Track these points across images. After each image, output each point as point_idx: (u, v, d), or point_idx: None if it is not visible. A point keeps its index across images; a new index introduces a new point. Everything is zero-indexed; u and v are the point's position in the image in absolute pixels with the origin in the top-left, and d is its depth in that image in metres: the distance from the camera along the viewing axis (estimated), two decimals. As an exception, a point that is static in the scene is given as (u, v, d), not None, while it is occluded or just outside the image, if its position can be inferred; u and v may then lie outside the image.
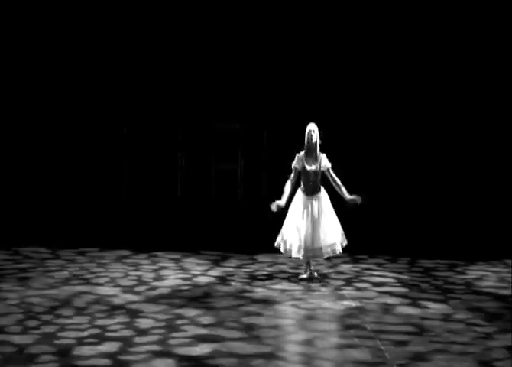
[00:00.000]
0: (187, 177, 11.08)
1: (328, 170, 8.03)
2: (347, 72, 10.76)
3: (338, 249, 8.05)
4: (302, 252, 7.92)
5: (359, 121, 10.77)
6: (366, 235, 10.18)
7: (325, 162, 8.02)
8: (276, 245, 8.06)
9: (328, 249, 8.01)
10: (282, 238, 8.01)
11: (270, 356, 5.54)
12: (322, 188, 8.10)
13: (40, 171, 10.88)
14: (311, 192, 8.01)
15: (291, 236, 7.96)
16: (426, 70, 10.71)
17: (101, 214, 10.76)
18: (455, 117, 10.72)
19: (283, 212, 8.04)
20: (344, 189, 8.00)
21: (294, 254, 7.96)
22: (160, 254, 9.42)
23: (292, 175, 8.01)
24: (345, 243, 8.09)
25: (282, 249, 8.03)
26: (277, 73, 10.81)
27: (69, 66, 10.87)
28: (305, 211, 7.97)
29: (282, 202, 7.87)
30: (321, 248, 7.96)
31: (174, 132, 11.03)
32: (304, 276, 8.13)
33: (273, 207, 7.83)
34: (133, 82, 10.94)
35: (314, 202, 7.99)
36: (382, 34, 10.68)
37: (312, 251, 7.96)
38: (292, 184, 7.99)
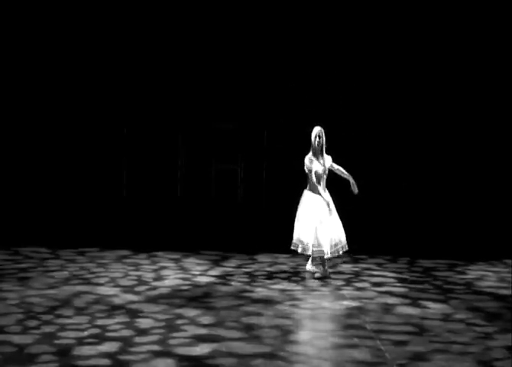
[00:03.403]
0: (187, 177, 11.09)
1: (331, 165, 8.21)
2: (347, 71, 10.77)
3: (342, 249, 8.17)
4: (313, 249, 8.02)
5: (359, 122, 10.78)
6: (366, 235, 10.19)
7: (328, 160, 8.20)
8: (292, 247, 8.16)
9: (334, 249, 8.11)
10: (298, 239, 8.11)
11: (270, 356, 5.53)
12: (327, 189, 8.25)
13: (40, 171, 10.89)
14: (319, 192, 8.09)
15: (305, 235, 8.04)
16: (427, 69, 10.72)
17: (101, 214, 10.76)
18: (456, 118, 10.73)
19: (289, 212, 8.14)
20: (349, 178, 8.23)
21: (311, 252, 8.05)
22: (160, 254, 9.42)
23: (313, 177, 8.06)
24: (345, 247, 8.20)
25: (300, 250, 8.11)
26: (277, 73, 10.82)
27: (69, 66, 10.88)
28: (314, 210, 8.05)
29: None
30: (329, 247, 8.07)
31: (174, 132, 11.04)
32: (318, 274, 8.20)
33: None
34: (133, 83, 10.95)
35: (323, 201, 8.07)
36: (382, 34, 10.68)
37: (320, 248, 8.04)
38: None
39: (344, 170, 8.23)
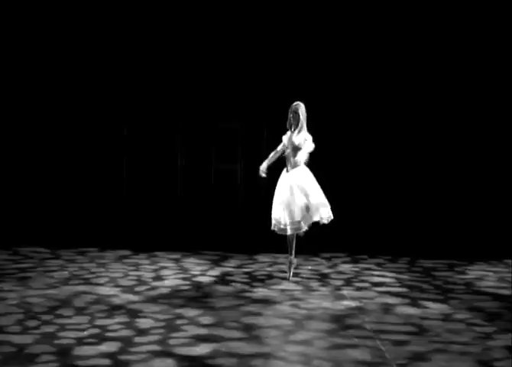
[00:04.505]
0: (187, 176, 11.09)
1: (300, 149, 7.90)
2: (347, 71, 10.77)
3: (326, 217, 7.90)
4: (289, 226, 7.82)
5: (358, 119, 10.77)
6: (366, 235, 10.19)
7: (302, 139, 7.90)
8: (272, 227, 7.95)
9: (309, 221, 7.86)
10: (274, 219, 7.89)
11: (269, 356, 5.54)
12: (304, 166, 7.98)
13: (40, 171, 10.89)
14: (291, 167, 7.95)
15: (278, 213, 7.86)
16: (426, 70, 10.71)
17: (101, 214, 10.76)
18: (455, 117, 10.72)
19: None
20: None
21: (288, 231, 7.83)
22: (160, 254, 9.42)
23: (279, 146, 8.04)
24: (329, 216, 7.90)
25: (276, 228, 7.89)
26: (277, 72, 10.81)
27: (69, 66, 10.88)
28: (286, 186, 7.89)
29: (263, 165, 8.02)
30: (299, 221, 7.82)
31: (174, 132, 11.04)
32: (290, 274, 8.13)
33: (261, 173, 7.99)
34: (133, 83, 10.95)
35: (293, 176, 7.88)
36: (381, 33, 10.68)
37: (293, 223, 7.82)
38: (276, 152, 8.06)
39: (301, 157, 7.91)
